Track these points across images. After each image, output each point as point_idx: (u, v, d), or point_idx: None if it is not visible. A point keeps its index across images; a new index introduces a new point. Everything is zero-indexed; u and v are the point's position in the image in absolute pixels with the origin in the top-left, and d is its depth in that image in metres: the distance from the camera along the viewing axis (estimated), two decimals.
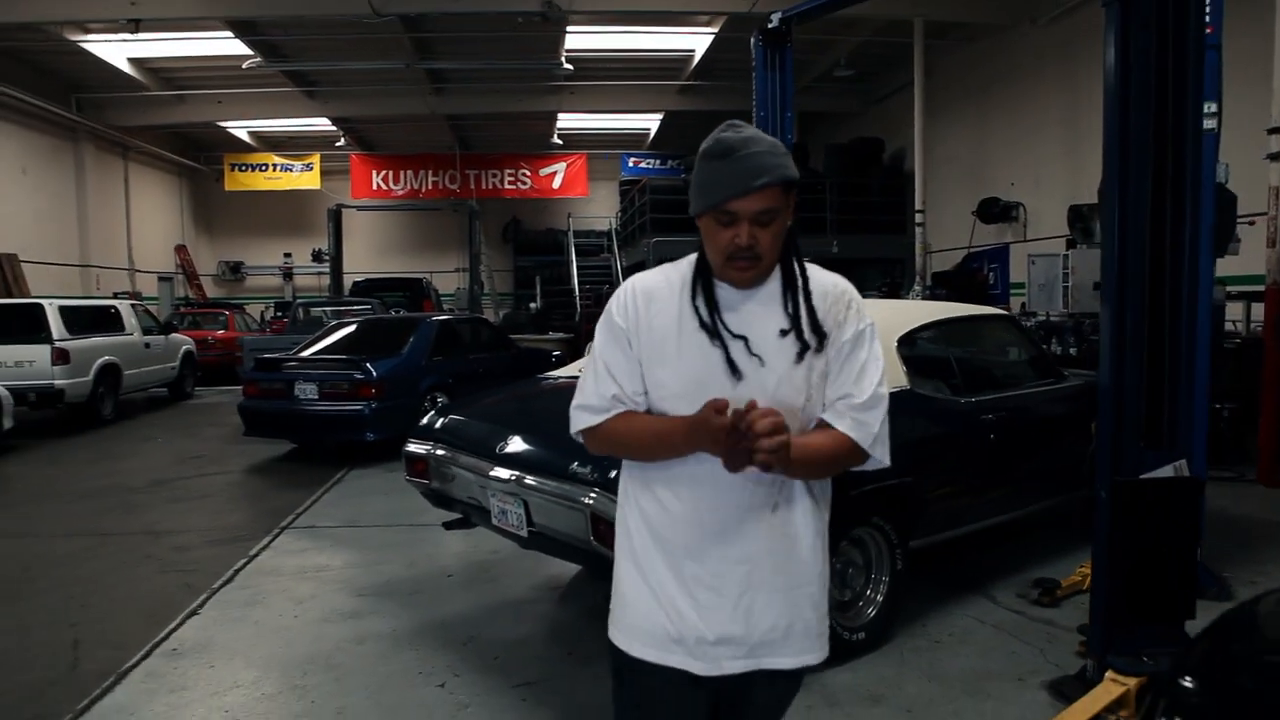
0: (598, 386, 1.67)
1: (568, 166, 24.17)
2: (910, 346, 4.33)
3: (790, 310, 1.64)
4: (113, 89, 17.77)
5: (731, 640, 1.63)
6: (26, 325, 10.49)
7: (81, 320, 11.21)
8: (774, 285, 1.66)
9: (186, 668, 3.68)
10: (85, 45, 15.08)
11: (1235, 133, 5.02)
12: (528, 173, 24.22)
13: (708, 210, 1.57)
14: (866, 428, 1.63)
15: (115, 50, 15.53)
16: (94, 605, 4.49)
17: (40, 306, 10.69)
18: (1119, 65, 3.25)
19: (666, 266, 1.74)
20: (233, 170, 24.21)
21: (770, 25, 6.92)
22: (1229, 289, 7.47)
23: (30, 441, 9.70)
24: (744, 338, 1.60)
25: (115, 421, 11.30)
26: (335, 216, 19.68)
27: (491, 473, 3.76)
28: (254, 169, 24.31)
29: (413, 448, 4.33)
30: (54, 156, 17.90)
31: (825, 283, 1.70)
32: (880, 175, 16.76)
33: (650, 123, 22.01)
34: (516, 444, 3.84)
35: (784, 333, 1.62)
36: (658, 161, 24.05)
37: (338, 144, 23.09)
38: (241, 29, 14.30)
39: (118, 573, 5.05)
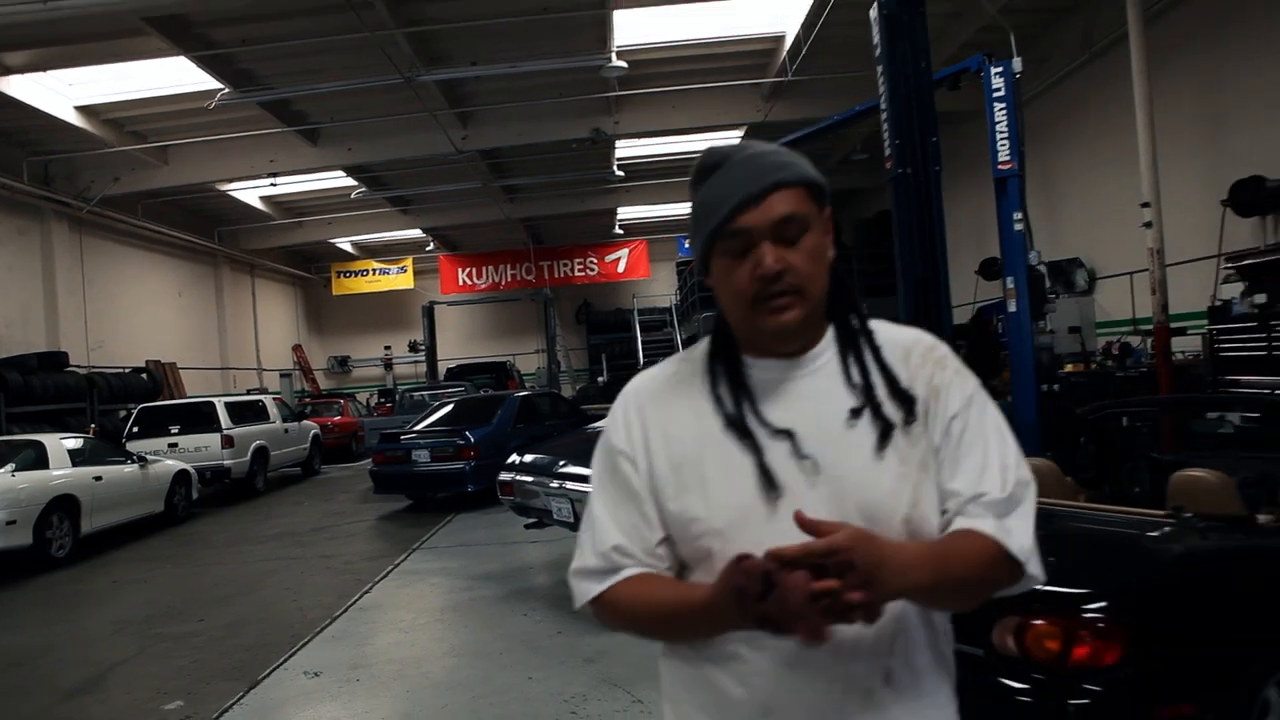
0: (595, 540, 1.19)
1: (630, 252, 26.86)
2: None
3: (858, 378, 1.14)
4: (246, 221, 21.29)
5: None
6: (201, 418, 13.35)
7: (239, 412, 14.05)
8: (828, 350, 1.17)
9: (371, 613, 6.00)
10: (228, 191, 18.51)
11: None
12: (594, 260, 26.98)
13: (712, 240, 1.11)
14: (1017, 534, 1.10)
15: (251, 193, 18.95)
16: (303, 592, 6.87)
17: (212, 404, 13.57)
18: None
19: (676, 357, 1.27)
20: (338, 277, 27.70)
21: None
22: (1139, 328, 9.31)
23: (208, 509, 12.39)
24: (789, 433, 1.11)
25: (267, 493, 13.99)
26: (429, 312, 22.71)
27: (550, 484, 6.00)
28: (357, 274, 27.75)
29: (503, 476, 6.61)
30: (200, 280, 21.42)
31: (902, 338, 1.21)
32: None
33: None
34: (566, 465, 6.09)
35: (855, 413, 1.12)
36: None
37: (427, 248, 26.35)
38: (352, 171, 17.44)
39: (310, 576, 7.44)
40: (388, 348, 29.32)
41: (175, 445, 12.90)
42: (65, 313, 15.60)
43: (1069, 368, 10.68)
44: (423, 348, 23.89)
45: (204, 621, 6.12)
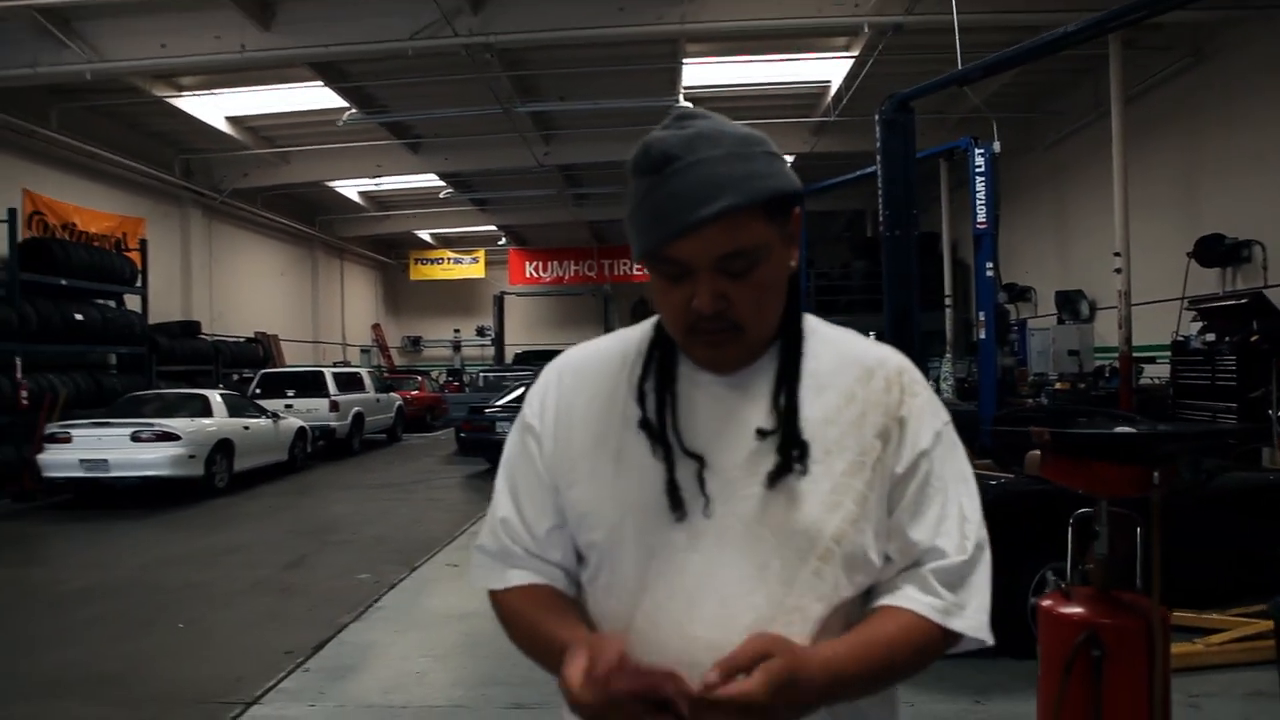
0: (492, 513, 1.14)
1: None
2: None
3: (783, 400, 1.01)
4: (342, 211, 23.75)
5: None
6: (312, 384, 15.69)
7: (343, 382, 16.38)
8: (768, 368, 1.04)
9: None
10: (331, 185, 20.93)
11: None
12: None
13: (646, 261, 0.98)
14: (971, 611, 1.01)
15: (351, 188, 21.36)
16: (424, 521, 9.01)
17: (321, 373, 15.94)
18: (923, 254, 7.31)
19: (618, 333, 1.15)
20: (416, 264, 30.17)
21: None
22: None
23: (316, 463, 14.72)
24: (700, 458, 1.00)
25: (362, 453, 16.31)
26: (499, 301, 25.00)
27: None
28: (432, 262, 30.20)
29: None
30: (299, 262, 23.95)
31: (867, 356, 1.07)
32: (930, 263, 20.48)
33: None
34: None
35: (762, 434, 1.00)
36: None
37: (499, 241, 28.63)
38: (444, 175, 19.70)
39: (426, 512, 9.60)
40: (457, 331, 31.74)
41: (290, 406, 15.23)
42: (196, 287, 18.14)
43: (1058, 385, 12.43)
44: (490, 333, 26.24)
45: (356, 535, 8.30)
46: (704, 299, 0.94)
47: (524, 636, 1.08)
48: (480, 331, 30.18)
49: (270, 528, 8.86)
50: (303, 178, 18.44)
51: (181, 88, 13.68)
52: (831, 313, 17.64)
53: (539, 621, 1.06)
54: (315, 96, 14.15)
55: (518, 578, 1.09)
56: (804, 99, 15.33)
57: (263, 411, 12.93)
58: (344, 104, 14.40)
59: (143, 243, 15.14)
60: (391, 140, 16.62)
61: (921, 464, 1.03)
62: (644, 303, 31.60)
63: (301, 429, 13.87)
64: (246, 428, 11.86)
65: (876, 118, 7.25)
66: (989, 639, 1.01)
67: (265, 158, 17.38)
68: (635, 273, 29.17)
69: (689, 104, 13.90)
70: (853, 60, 12.84)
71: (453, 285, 30.70)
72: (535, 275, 29.32)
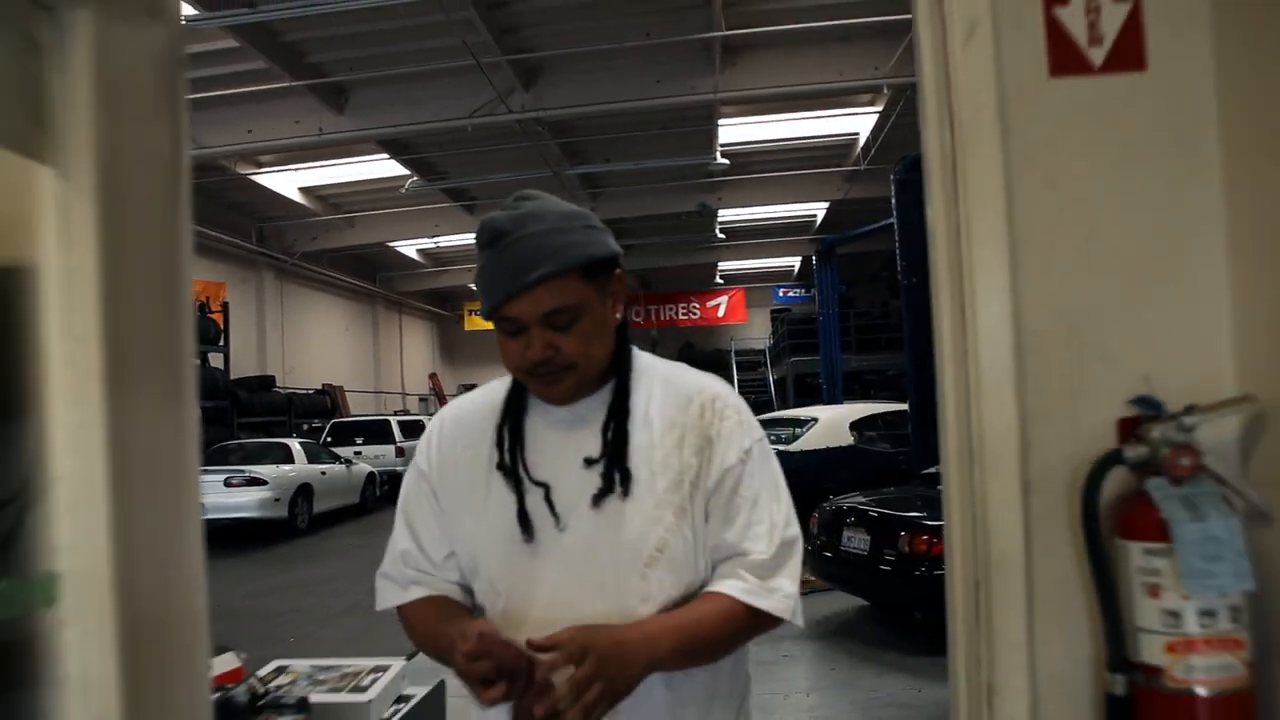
0: (391, 546, 1.31)
1: (729, 299, 29.64)
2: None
3: (610, 431, 1.20)
4: (400, 268, 25.10)
5: None
6: (379, 432, 16.73)
7: (407, 429, 17.40)
8: (604, 398, 1.22)
9: None
10: (392, 245, 22.27)
11: None
12: (697, 306, 29.87)
13: (487, 318, 1.17)
14: (780, 594, 1.17)
15: (410, 247, 22.68)
16: None
17: (388, 421, 17.01)
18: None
19: (490, 385, 1.33)
20: (470, 314, 31.41)
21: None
22: None
23: (383, 506, 15.65)
24: (545, 485, 1.19)
25: None
26: None
27: None
28: None
29: None
30: (360, 316, 25.31)
31: (687, 385, 1.26)
32: None
33: (793, 261, 27.23)
34: None
35: (589, 462, 1.18)
36: (802, 290, 29.06)
37: None
38: None
39: None
40: None
41: (359, 453, 16.27)
42: (270, 343, 19.45)
43: None
44: None
45: None
46: (535, 349, 1.13)
47: (422, 636, 1.26)
48: None
49: (352, 562, 9.74)
50: (366, 239, 19.76)
51: (261, 164, 15.02)
52: (871, 350, 18.14)
53: (433, 623, 1.23)
54: (381, 167, 15.37)
55: (416, 593, 1.27)
56: (835, 150, 16.14)
57: (336, 458, 13.94)
58: (406, 172, 15.59)
59: (225, 305, 16.43)
60: (449, 203, 17.82)
61: (727, 479, 1.18)
62: (690, 345, 32.40)
63: (371, 474, 14.85)
64: (323, 473, 12.87)
65: (891, 178, 7.97)
66: (798, 621, 1.18)
67: (333, 222, 18.72)
68: (680, 317, 30.09)
69: (725, 161, 14.83)
70: (877, 115, 13.63)
71: None
72: None
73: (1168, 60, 1.27)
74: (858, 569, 5.67)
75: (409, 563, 1.27)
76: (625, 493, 1.15)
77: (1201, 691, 1.17)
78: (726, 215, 20.23)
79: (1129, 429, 1.24)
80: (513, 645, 1.03)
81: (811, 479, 7.46)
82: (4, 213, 1.13)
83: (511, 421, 1.22)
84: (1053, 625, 1.28)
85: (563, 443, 1.20)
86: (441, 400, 32.11)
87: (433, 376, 31.95)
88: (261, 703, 1.97)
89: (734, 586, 1.15)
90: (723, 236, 21.40)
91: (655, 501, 1.16)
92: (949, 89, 1.28)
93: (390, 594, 1.28)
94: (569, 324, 1.13)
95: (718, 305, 29.81)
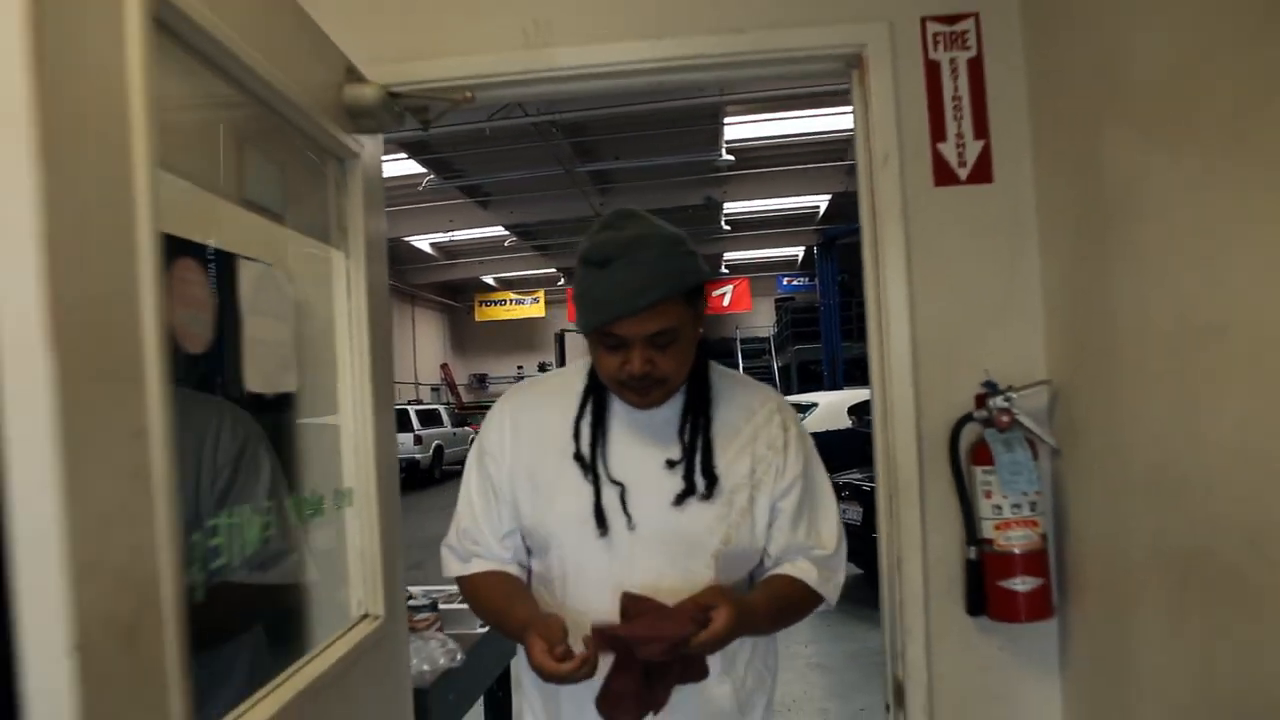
0: (456, 521, 1.44)
1: (734, 288, 30.32)
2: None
3: (687, 436, 1.32)
4: (414, 261, 25.88)
5: None
6: (397, 421, 17.49)
7: (425, 418, 18.20)
8: (679, 402, 1.35)
9: None
10: (407, 239, 23.03)
11: None
12: None
13: (590, 332, 1.27)
14: (835, 584, 1.39)
15: (424, 240, 23.45)
16: None
17: (407, 410, 17.78)
18: None
19: (566, 370, 1.46)
20: (480, 305, 32.23)
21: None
22: None
23: (403, 492, 16.38)
24: (621, 485, 1.30)
25: (443, 481, 17.93)
26: (560, 339, 26.77)
27: None
28: (496, 304, 32.23)
29: None
30: None
31: (748, 398, 1.39)
32: None
33: (797, 251, 27.95)
34: None
35: (670, 464, 1.31)
36: (806, 279, 29.75)
37: (559, 282, 30.55)
38: (510, 226, 21.65)
39: None
40: (520, 368, 33.62)
41: None
42: None
43: None
44: (552, 368, 28.02)
45: None
46: (635, 365, 1.22)
47: (485, 609, 1.39)
48: (542, 368, 32.04)
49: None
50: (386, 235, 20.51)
51: None
52: None
53: (496, 598, 1.35)
54: (400, 167, 16.12)
55: (478, 565, 1.39)
56: (837, 144, 16.82)
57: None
58: (424, 171, 16.35)
59: None
60: (464, 200, 18.58)
61: (797, 486, 1.34)
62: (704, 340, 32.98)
63: (439, 446, 15.64)
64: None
65: None
66: (834, 604, 1.39)
67: None
68: None
69: (730, 157, 15.55)
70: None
71: (515, 325, 32.62)
72: None
73: (1007, 176, 2.05)
74: (852, 537, 6.42)
75: (470, 538, 1.41)
76: (708, 495, 1.28)
77: (1016, 551, 1.96)
78: (732, 208, 21.01)
79: (979, 401, 2.03)
80: (663, 605, 1.17)
81: None
82: (321, 276, 1.90)
83: (594, 416, 1.35)
84: (936, 520, 2.07)
85: (643, 445, 1.32)
86: (453, 390, 32.95)
87: (444, 367, 32.76)
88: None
89: (809, 575, 1.35)
90: (728, 228, 22.19)
91: (724, 500, 1.30)
92: (873, 194, 2.08)
93: (453, 564, 1.44)
94: (668, 344, 1.24)
95: (723, 294, 30.45)
